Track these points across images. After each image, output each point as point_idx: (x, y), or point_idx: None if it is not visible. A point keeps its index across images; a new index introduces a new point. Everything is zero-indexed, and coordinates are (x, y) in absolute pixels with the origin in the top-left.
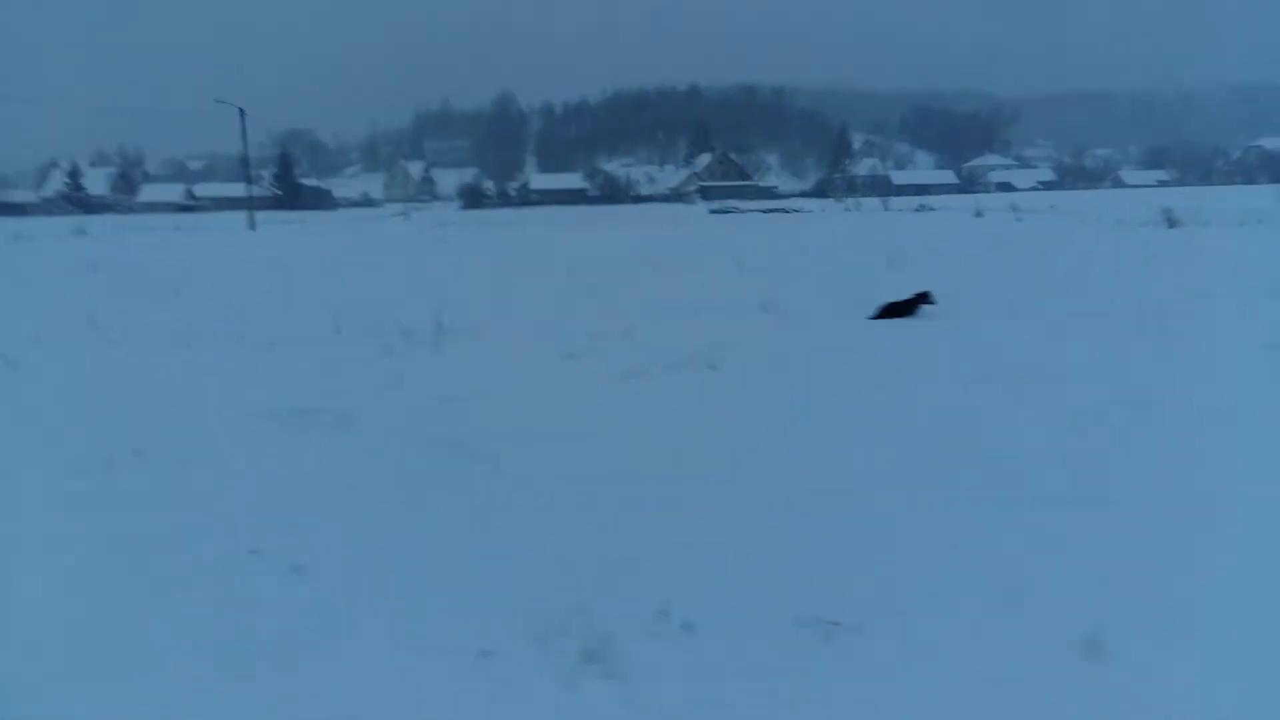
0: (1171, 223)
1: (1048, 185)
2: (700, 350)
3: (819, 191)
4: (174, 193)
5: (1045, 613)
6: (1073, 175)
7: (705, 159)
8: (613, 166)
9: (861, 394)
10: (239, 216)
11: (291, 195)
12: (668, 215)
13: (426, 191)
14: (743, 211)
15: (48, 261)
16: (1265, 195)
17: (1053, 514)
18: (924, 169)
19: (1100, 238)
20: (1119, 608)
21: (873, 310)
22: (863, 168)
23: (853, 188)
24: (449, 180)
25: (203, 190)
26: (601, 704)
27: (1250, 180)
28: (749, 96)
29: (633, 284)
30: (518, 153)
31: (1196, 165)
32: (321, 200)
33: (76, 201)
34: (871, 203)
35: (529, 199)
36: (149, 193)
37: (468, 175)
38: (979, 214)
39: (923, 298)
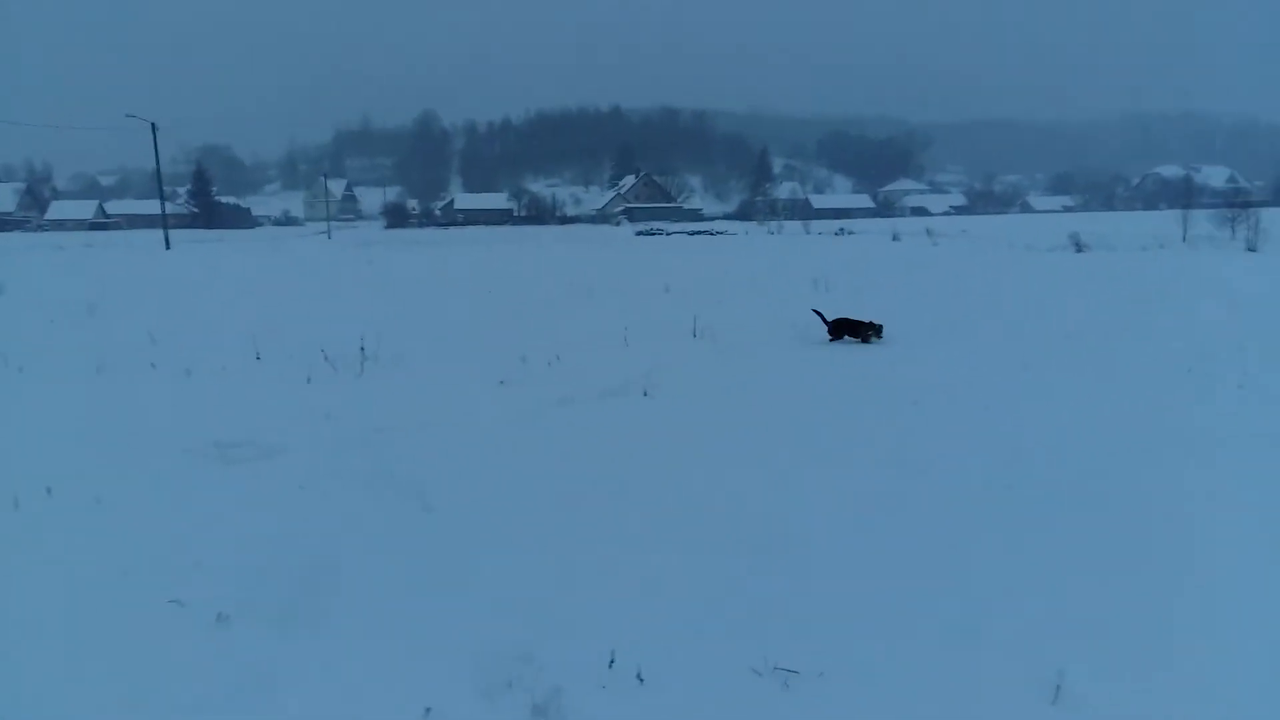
0: (1079, 247)
1: (959, 210)
2: (632, 378)
3: (742, 214)
4: (85, 210)
5: (1007, 655)
6: (983, 200)
7: (630, 181)
8: (538, 187)
9: (801, 419)
10: (154, 235)
11: (209, 213)
12: (595, 236)
13: (349, 210)
14: (669, 233)
15: None
16: (1165, 220)
17: (1011, 549)
18: (842, 192)
19: (1013, 262)
20: (1080, 649)
21: (799, 333)
22: (783, 191)
23: (774, 211)
24: (372, 199)
25: (115, 207)
26: None
27: (1150, 205)
28: (671, 119)
29: (563, 308)
30: (442, 171)
31: (1099, 191)
32: (240, 218)
33: None
34: (793, 226)
35: (454, 218)
36: (58, 209)
37: (391, 194)
38: (896, 238)
39: (874, 329)
